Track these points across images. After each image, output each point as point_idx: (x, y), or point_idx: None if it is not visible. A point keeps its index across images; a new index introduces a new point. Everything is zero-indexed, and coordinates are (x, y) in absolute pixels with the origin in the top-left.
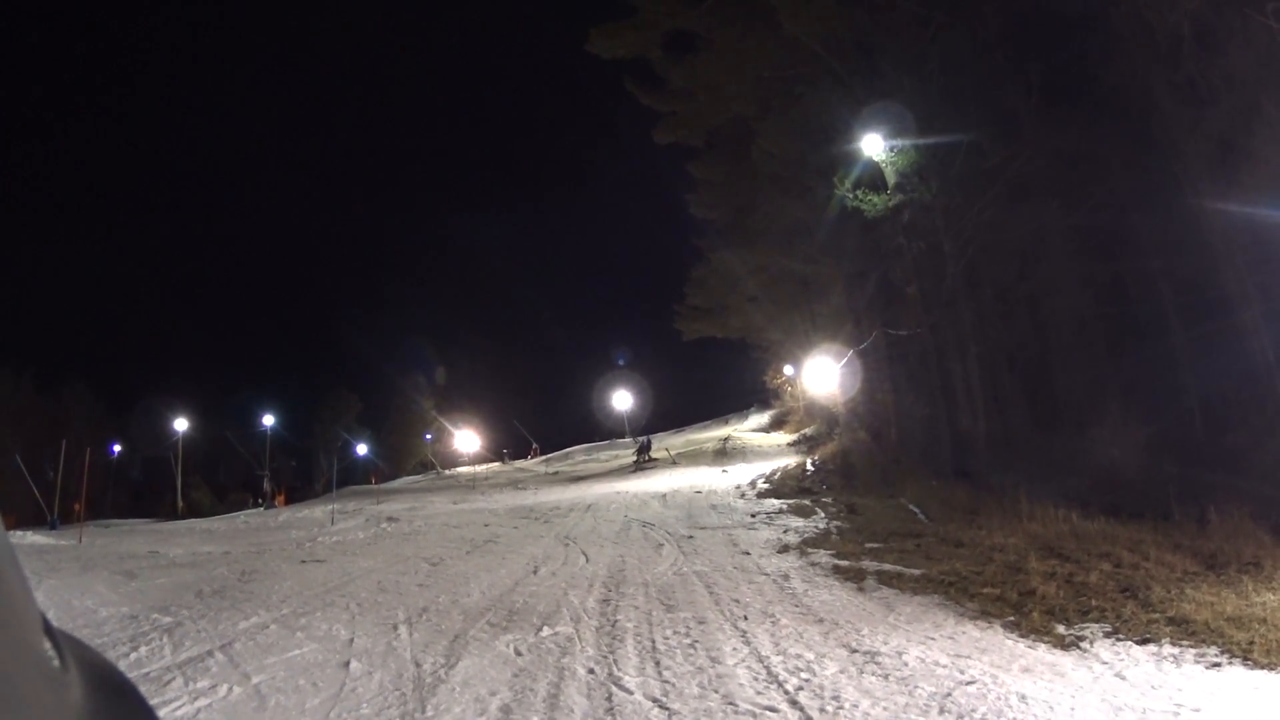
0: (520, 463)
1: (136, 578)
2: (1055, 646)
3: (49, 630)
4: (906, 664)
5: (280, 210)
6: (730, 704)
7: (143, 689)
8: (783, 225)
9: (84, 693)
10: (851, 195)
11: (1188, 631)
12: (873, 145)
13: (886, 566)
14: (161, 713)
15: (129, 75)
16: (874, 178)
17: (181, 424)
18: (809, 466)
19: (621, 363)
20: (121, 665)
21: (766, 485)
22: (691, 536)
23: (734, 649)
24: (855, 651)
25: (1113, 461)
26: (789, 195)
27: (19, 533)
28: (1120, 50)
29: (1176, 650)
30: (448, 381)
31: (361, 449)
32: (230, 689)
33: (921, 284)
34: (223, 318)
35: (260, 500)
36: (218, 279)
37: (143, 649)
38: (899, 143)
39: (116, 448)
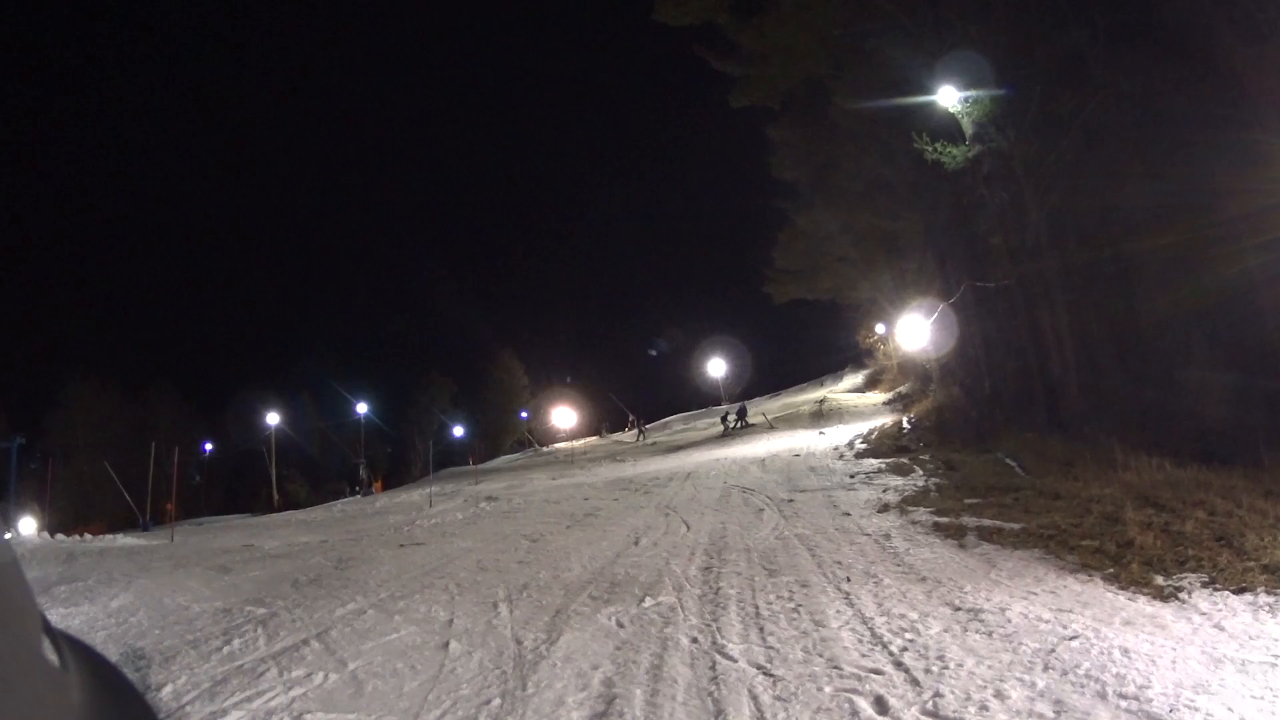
0: (620, 434)
1: (230, 572)
2: (1155, 598)
3: (49, 630)
4: (1010, 620)
5: (361, 197)
6: (835, 668)
7: (235, 681)
8: (864, 182)
9: (84, 693)
10: (930, 148)
11: None
12: (948, 97)
13: (986, 522)
14: (254, 704)
15: (212, 57)
16: (951, 130)
17: (274, 418)
18: (905, 424)
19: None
20: (214, 659)
21: (864, 445)
22: (791, 500)
23: (837, 611)
24: (959, 609)
25: (1202, 408)
26: (868, 153)
27: (109, 536)
28: None
29: (1272, 599)
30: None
31: (458, 430)
32: (326, 676)
33: (1006, 235)
34: (314, 310)
35: (357, 488)
36: (309, 274)
37: (236, 642)
38: (973, 93)
39: (209, 446)
